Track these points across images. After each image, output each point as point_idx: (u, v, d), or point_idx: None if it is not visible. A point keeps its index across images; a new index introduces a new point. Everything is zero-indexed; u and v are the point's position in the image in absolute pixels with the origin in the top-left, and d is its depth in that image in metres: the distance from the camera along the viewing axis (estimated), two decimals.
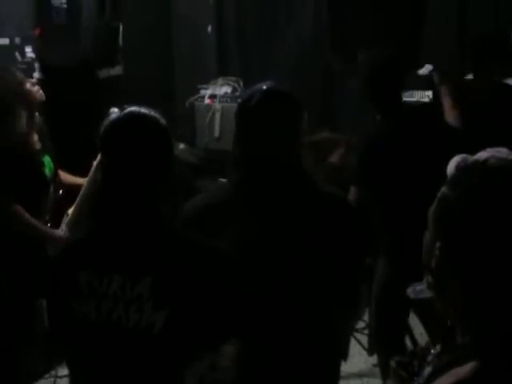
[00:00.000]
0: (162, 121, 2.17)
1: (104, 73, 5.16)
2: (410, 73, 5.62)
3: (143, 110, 2.16)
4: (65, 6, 4.95)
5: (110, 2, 5.12)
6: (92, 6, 5.03)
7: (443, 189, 1.43)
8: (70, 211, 3.75)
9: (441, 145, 3.56)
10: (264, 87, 2.43)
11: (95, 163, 3.53)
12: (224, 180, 4.81)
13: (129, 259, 2.09)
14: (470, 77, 4.47)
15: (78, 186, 3.78)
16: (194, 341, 2.07)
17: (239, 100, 2.54)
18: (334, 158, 4.90)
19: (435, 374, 1.42)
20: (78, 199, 3.74)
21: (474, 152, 1.46)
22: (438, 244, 1.42)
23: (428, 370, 1.48)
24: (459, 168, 1.43)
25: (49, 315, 2.26)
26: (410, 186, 3.57)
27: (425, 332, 3.17)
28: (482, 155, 1.42)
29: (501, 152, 1.41)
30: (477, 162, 1.42)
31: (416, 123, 3.73)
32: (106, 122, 2.15)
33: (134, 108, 2.17)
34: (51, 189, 3.76)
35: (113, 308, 2.07)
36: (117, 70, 5.27)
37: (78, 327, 2.12)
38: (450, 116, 4.05)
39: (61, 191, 3.89)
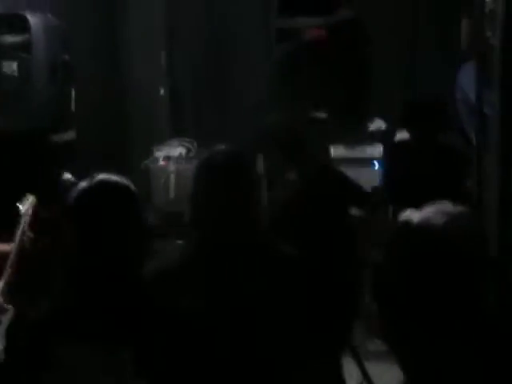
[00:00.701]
0: (131, 186, 2.21)
1: (57, 138, 5.14)
2: (361, 128, 5.74)
3: (113, 176, 2.20)
4: (16, 73, 4.95)
5: (62, 67, 5.14)
6: (43, 71, 5.03)
7: (374, 253, 1.46)
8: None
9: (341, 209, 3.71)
10: (221, 150, 2.45)
11: (19, 229, 3.52)
12: (180, 242, 4.80)
13: (107, 329, 2.08)
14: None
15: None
16: None
17: (196, 163, 2.56)
18: None
19: None
20: (7, 268, 3.68)
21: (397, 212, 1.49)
22: (375, 307, 1.45)
23: None
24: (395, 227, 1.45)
25: None
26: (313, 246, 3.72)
27: None
28: (427, 210, 1.43)
29: (445, 206, 1.43)
30: (406, 222, 1.43)
31: (318, 185, 3.91)
32: (77, 190, 2.16)
33: (104, 175, 2.19)
34: None
35: (92, 380, 2.05)
36: (70, 135, 5.26)
37: None
38: None
39: None
